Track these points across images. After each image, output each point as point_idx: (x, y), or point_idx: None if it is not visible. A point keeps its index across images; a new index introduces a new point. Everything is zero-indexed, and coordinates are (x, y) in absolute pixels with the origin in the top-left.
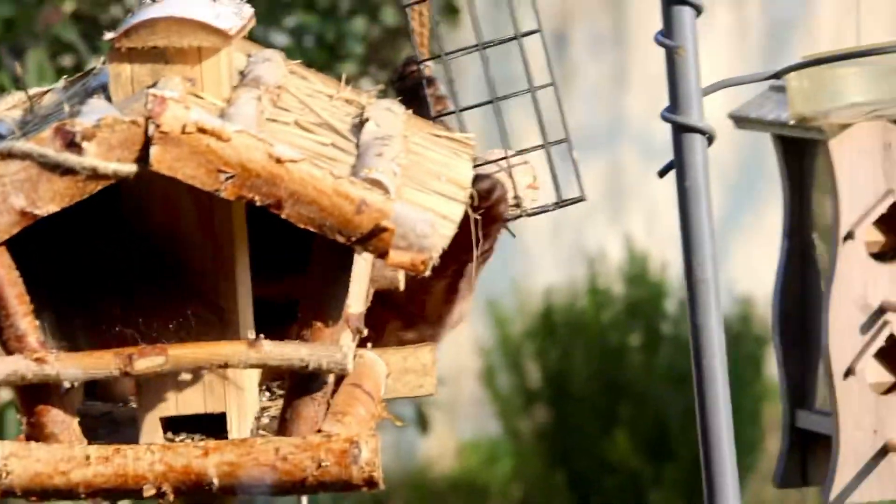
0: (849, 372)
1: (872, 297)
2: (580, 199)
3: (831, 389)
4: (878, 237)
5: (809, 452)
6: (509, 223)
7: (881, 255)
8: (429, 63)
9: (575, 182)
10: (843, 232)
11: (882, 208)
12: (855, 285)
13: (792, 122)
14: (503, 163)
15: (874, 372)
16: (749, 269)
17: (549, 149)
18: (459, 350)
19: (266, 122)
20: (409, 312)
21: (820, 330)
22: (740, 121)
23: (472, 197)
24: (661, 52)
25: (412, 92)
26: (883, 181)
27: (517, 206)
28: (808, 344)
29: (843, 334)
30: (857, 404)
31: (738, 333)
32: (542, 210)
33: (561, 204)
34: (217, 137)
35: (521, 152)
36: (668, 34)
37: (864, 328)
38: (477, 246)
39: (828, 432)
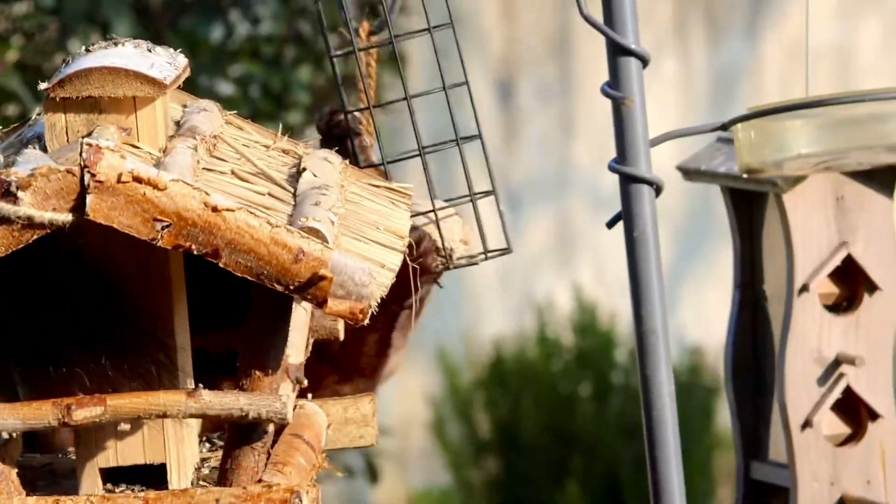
0: (806, 424)
1: (827, 350)
2: (507, 251)
3: (788, 442)
4: (832, 289)
5: None
6: (439, 275)
7: (835, 307)
8: (356, 113)
9: (503, 233)
10: (797, 284)
11: (836, 261)
12: (810, 337)
13: (740, 174)
14: (431, 215)
15: (830, 424)
16: (699, 317)
17: (476, 200)
18: (409, 400)
19: (202, 172)
20: (344, 366)
21: (772, 381)
22: (690, 173)
23: (409, 246)
24: (609, 101)
25: (338, 141)
26: (836, 233)
27: (446, 257)
28: (762, 395)
29: (799, 387)
30: (814, 456)
31: (688, 384)
32: (470, 262)
33: (488, 255)
34: (153, 186)
35: (448, 202)
36: (614, 85)
37: (821, 380)
38: (411, 296)
39: (784, 484)
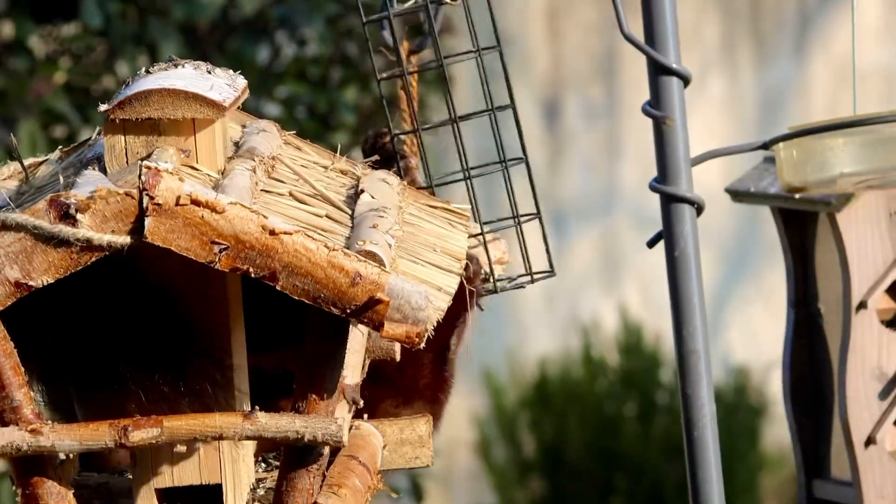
0: (869, 441)
1: (887, 365)
2: (551, 274)
3: (852, 459)
4: (889, 304)
5: None
6: (483, 298)
7: (893, 323)
8: (402, 136)
9: (547, 256)
10: (855, 302)
11: (893, 276)
12: (869, 354)
13: (783, 192)
14: (479, 238)
15: (894, 439)
16: (745, 338)
17: (521, 223)
18: (454, 421)
19: (260, 194)
20: (403, 389)
21: (831, 398)
22: (738, 195)
23: (466, 268)
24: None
25: (385, 163)
26: (891, 249)
27: (492, 281)
28: (821, 413)
29: (860, 404)
30: (878, 473)
31: (734, 404)
32: (516, 286)
33: (533, 278)
34: (211, 209)
35: (491, 225)
36: (655, 104)
37: (882, 396)
38: (464, 318)
39: (847, 502)
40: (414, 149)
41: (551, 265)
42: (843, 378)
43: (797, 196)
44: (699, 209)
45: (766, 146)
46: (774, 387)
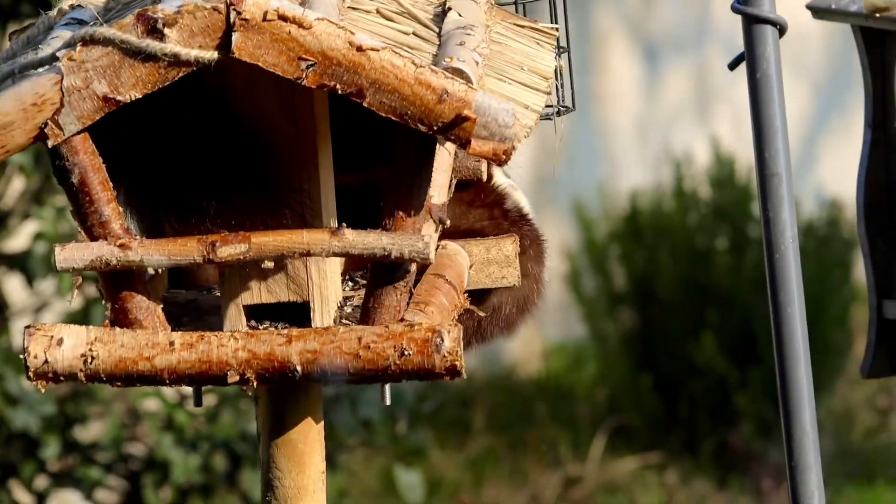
0: None
1: None
2: (569, 110)
3: None
4: None
5: None
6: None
7: None
8: None
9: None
10: None
11: None
12: None
13: (866, 13)
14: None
15: None
16: (837, 172)
17: (561, 54)
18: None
19: (347, 10)
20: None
21: None
22: (820, 12)
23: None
24: None
25: None
26: None
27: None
28: (894, 234)
29: None
30: None
31: (826, 237)
32: (545, 117)
33: (560, 113)
34: (298, 25)
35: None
36: None
37: None
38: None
39: None
40: None
41: (573, 101)
42: None
43: (877, 16)
44: (781, 30)
45: None
46: None
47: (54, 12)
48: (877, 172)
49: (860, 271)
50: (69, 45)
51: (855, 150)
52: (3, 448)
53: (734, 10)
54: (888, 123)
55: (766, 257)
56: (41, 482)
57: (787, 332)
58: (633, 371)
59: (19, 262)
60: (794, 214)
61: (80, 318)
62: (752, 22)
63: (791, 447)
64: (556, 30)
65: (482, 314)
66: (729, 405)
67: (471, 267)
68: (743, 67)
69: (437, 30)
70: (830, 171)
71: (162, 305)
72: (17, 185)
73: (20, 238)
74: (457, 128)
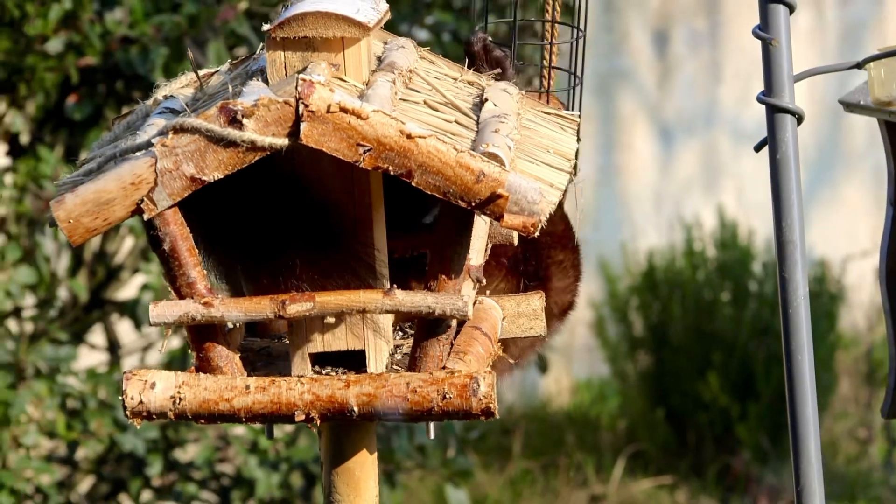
0: None
1: None
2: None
3: None
4: None
5: None
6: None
7: None
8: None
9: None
10: None
11: None
12: None
13: (874, 106)
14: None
15: None
16: (824, 236)
17: (574, 87)
18: None
19: (399, 102)
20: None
21: None
22: (850, 106)
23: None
24: (752, 48)
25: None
26: None
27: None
28: None
29: None
30: None
31: (815, 291)
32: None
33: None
34: (357, 116)
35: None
36: (764, 28)
37: None
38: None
39: None
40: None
41: (575, 167)
42: None
43: (886, 109)
44: (799, 119)
45: (860, 65)
46: (850, 278)
47: (150, 101)
48: None
49: (844, 321)
50: (162, 132)
51: (838, 218)
52: (115, 466)
53: (759, 100)
54: None
55: (781, 311)
56: (146, 496)
57: (797, 375)
58: (649, 405)
59: (129, 309)
60: (806, 276)
61: (180, 356)
62: (774, 111)
63: (798, 474)
64: (579, 117)
65: (512, 361)
66: (731, 435)
67: (504, 319)
68: (749, 147)
69: (475, 118)
70: (819, 236)
71: (239, 354)
72: (128, 243)
73: (130, 288)
74: (492, 204)
